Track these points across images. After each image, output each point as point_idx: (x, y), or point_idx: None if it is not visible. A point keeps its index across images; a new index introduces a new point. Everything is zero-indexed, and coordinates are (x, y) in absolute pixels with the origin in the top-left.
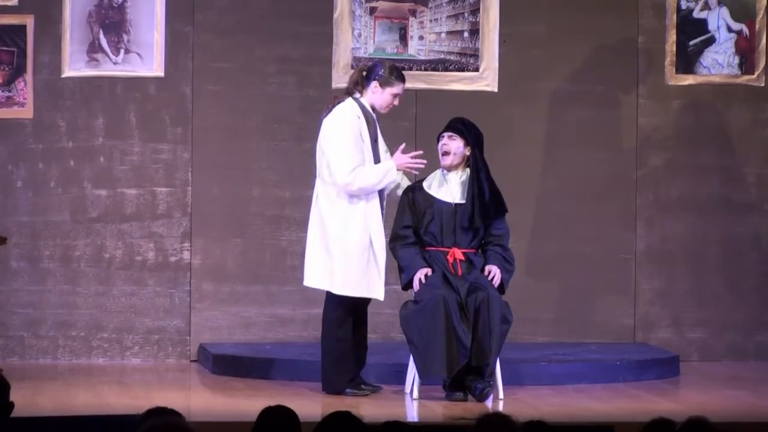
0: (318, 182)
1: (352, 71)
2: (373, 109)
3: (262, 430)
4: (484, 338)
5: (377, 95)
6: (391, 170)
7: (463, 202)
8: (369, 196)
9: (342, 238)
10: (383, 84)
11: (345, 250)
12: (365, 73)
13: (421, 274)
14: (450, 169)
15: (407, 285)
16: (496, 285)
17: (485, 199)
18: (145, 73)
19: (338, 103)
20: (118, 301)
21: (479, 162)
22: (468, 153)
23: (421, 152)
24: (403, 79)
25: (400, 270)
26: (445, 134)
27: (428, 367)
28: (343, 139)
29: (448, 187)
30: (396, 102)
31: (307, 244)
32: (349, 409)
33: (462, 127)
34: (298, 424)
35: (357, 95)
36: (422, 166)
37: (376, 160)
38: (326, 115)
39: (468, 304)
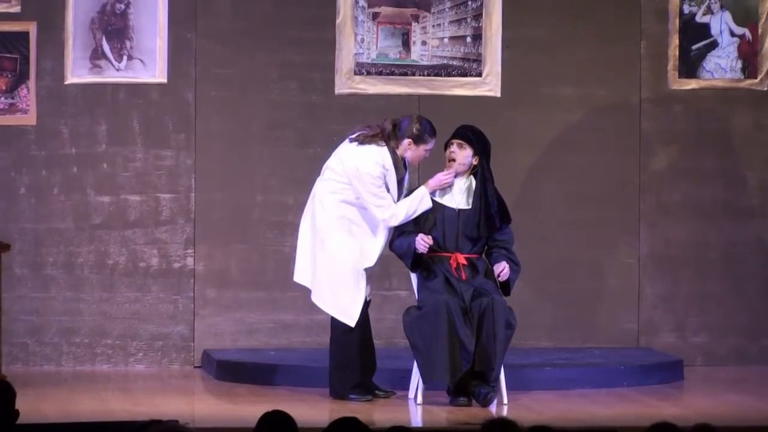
0: (318, 184)
1: (385, 121)
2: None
3: None
4: (489, 343)
5: (412, 151)
6: (425, 197)
7: (467, 207)
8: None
9: (328, 248)
10: (417, 141)
11: (331, 260)
12: (395, 129)
13: (419, 237)
14: (455, 175)
15: (414, 263)
16: (504, 279)
17: (492, 210)
18: (147, 80)
19: (372, 143)
20: (122, 307)
21: (486, 171)
22: (475, 162)
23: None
24: (435, 134)
25: (402, 257)
26: (454, 141)
27: (432, 373)
28: (374, 181)
29: (452, 193)
30: (428, 155)
31: (298, 241)
32: (353, 415)
33: (471, 136)
34: (296, 428)
35: (392, 145)
36: (452, 177)
37: (396, 198)
38: (357, 142)
39: (472, 309)
